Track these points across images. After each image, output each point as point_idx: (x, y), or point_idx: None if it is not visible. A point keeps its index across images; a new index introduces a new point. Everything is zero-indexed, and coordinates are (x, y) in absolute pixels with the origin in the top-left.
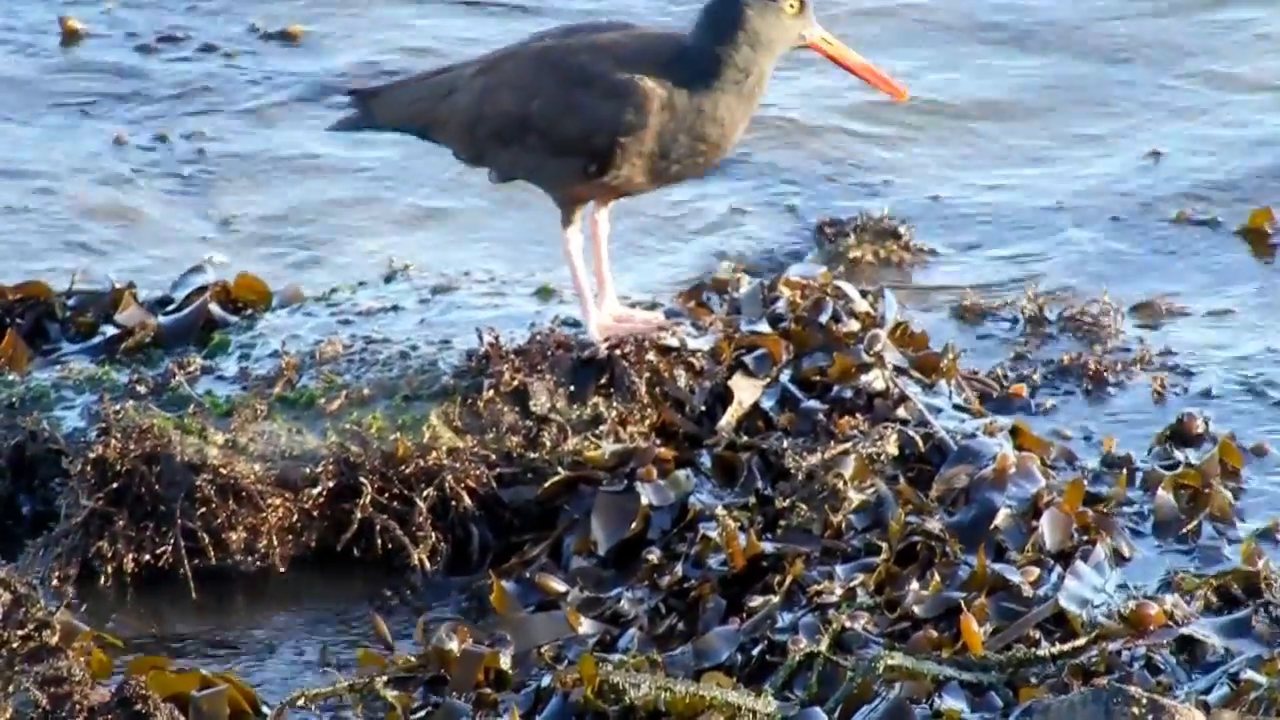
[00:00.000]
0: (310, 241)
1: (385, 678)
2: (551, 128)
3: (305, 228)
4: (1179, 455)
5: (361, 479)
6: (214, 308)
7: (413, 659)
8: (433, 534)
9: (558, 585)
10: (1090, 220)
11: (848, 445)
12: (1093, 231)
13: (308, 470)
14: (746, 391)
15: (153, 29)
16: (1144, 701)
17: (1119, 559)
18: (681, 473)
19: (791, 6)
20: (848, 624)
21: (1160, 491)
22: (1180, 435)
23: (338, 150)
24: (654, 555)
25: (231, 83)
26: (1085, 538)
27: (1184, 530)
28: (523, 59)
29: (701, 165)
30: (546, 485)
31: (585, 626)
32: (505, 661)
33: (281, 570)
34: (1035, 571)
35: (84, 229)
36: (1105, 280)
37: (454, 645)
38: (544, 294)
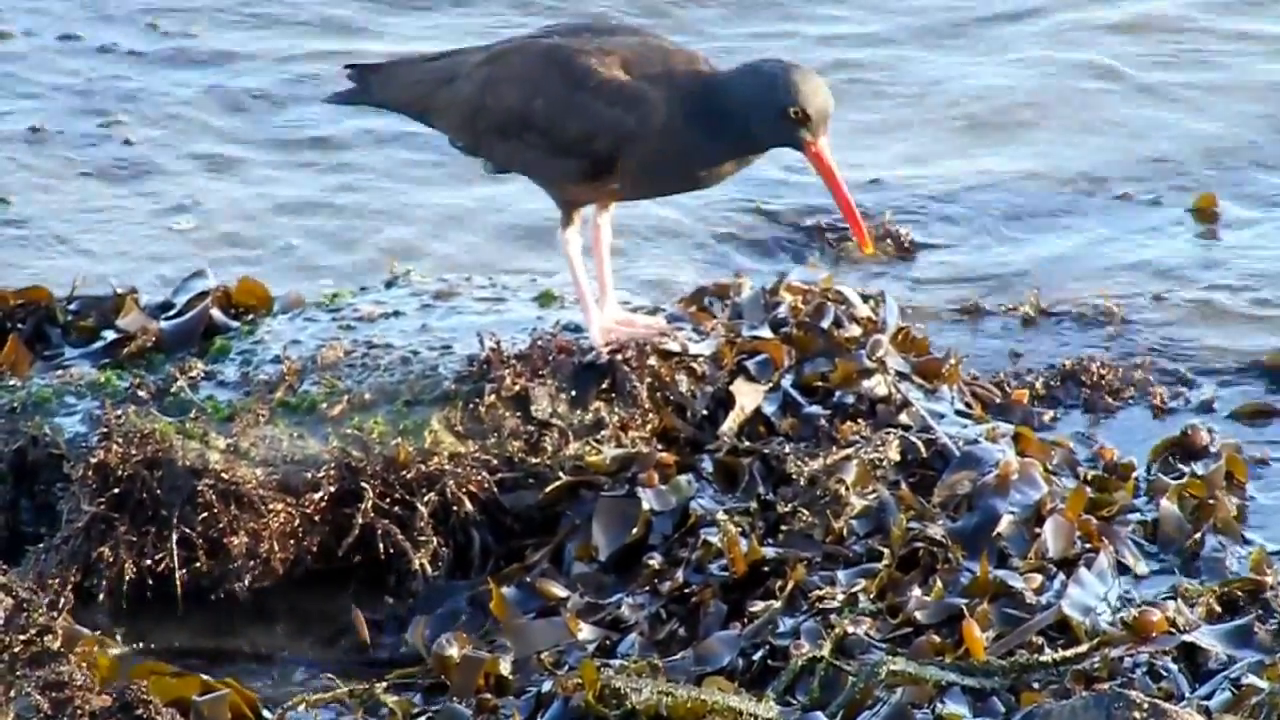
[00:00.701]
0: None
1: (385, 684)
2: (553, 127)
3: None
4: (1183, 466)
5: (363, 484)
6: (215, 313)
7: (409, 664)
8: (434, 539)
9: (558, 591)
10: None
11: (850, 451)
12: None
13: (309, 475)
14: (748, 396)
15: (50, 32)
16: (1145, 706)
17: (1123, 569)
18: (683, 478)
19: (796, 113)
20: (850, 629)
21: (1164, 502)
22: (1184, 445)
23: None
24: (655, 561)
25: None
26: (1088, 545)
27: (1188, 541)
28: (530, 54)
29: (697, 188)
30: (548, 490)
31: (585, 632)
32: (505, 667)
33: (281, 575)
34: (1038, 578)
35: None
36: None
37: (454, 651)
38: (545, 299)
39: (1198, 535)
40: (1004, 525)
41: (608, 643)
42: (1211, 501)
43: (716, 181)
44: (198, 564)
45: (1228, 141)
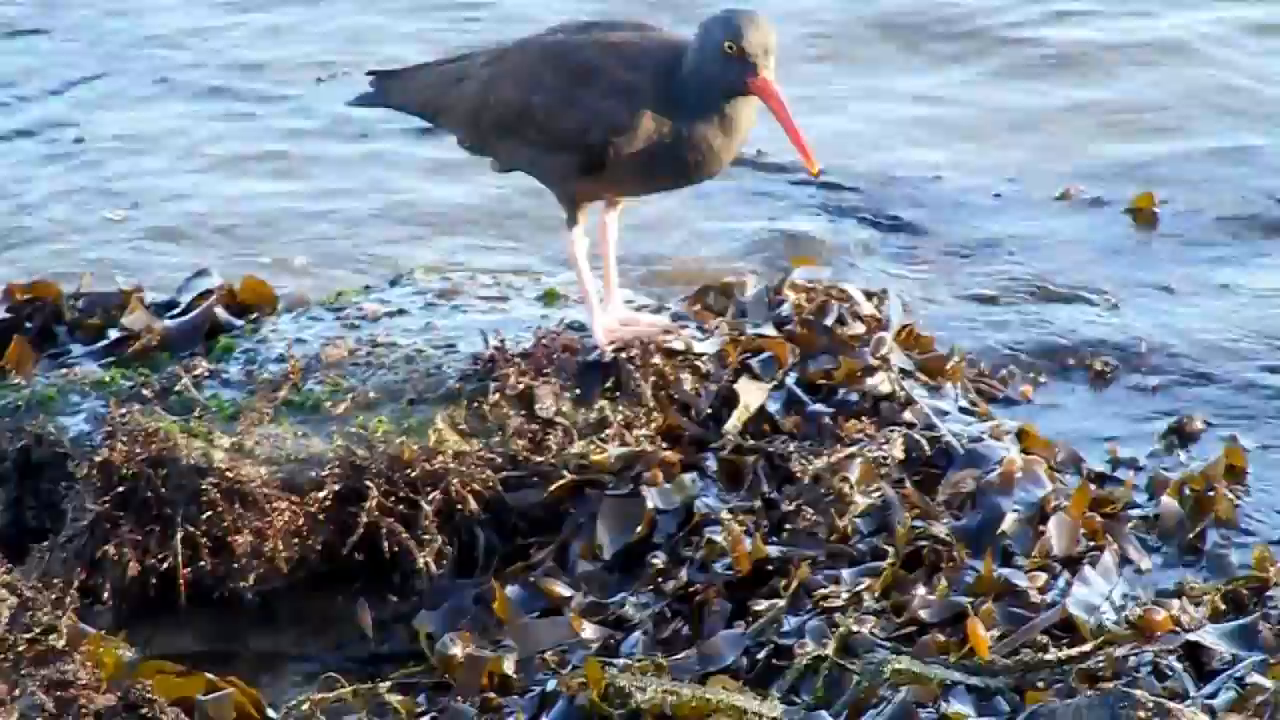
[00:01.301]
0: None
1: (389, 683)
2: (549, 121)
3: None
4: (1181, 456)
5: (367, 483)
6: (220, 311)
7: (412, 662)
8: (438, 537)
9: (562, 590)
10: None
11: (853, 449)
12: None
13: (313, 474)
14: (752, 395)
15: None
16: (1150, 705)
17: (1126, 564)
18: (687, 476)
19: (730, 47)
20: (854, 628)
21: (1165, 498)
22: (1180, 435)
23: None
24: (659, 560)
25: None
26: (1093, 543)
27: (1189, 535)
28: (531, 51)
29: (691, 180)
30: (552, 489)
31: (589, 631)
32: (509, 666)
33: (285, 574)
34: (1042, 577)
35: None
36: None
37: (458, 650)
38: (549, 297)
39: (1198, 530)
40: (1008, 523)
41: (611, 642)
42: (1211, 495)
43: (710, 168)
44: (202, 563)
45: None
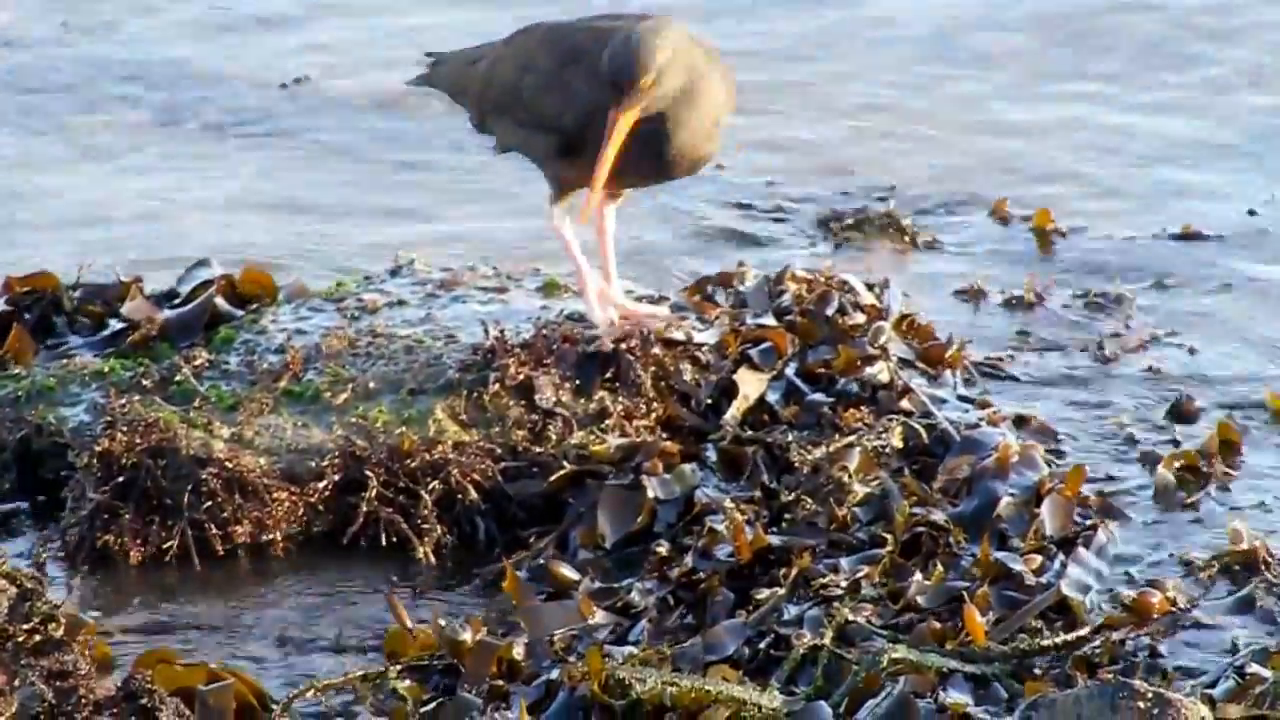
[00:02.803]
0: None
1: (397, 668)
2: (534, 101)
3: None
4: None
5: (367, 473)
6: (220, 302)
7: (431, 637)
8: (438, 528)
9: (570, 574)
10: None
11: (852, 438)
12: None
13: (313, 464)
14: (752, 385)
15: None
16: (1149, 696)
17: (1120, 540)
18: (687, 467)
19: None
20: (851, 617)
21: (1160, 469)
22: (1178, 414)
23: None
24: (664, 548)
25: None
26: (1088, 523)
27: (1184, 508)
28: (534, 34)
29: (674, 169)
30: (552, 479)
31: (599, 616)
32: (519, 652)
33: (284, 559)
34: (1038, 559)
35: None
36: None
37: (467, 636)
38: (549, 289)
39: (1193, 501)
40: (1003, 507)
41: (619, 628)
42: (1205, 470)
43: (689, 162)
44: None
45: None
